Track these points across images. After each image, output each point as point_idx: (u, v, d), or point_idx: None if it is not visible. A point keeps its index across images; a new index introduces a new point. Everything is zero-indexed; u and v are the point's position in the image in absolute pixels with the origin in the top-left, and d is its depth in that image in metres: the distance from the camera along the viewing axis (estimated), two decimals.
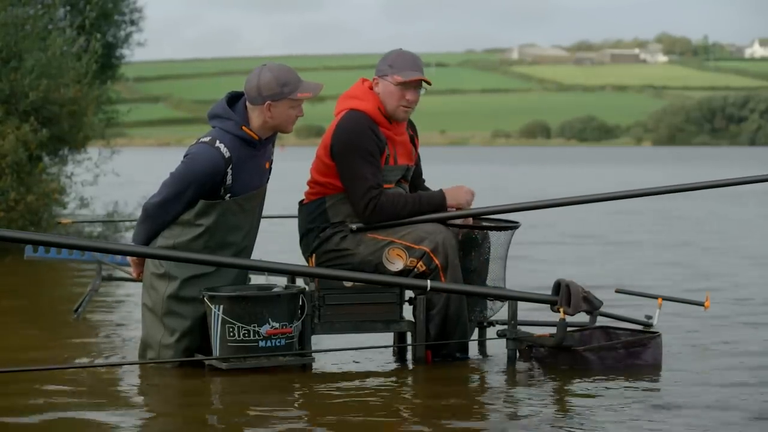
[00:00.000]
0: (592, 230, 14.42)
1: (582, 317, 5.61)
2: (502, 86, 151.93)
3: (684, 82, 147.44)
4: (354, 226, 5.50)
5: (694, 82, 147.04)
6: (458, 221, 5.59)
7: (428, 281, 5.23)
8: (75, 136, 12.31)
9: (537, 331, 5.73)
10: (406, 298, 5.58)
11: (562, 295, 5.31)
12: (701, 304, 6.22)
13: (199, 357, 5.33)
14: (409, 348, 5.64)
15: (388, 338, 5.99)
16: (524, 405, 4.72)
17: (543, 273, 9.33)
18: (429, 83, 5.59)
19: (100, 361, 5.65)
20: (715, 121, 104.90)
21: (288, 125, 5.45)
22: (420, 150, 5.80)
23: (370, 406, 4.67)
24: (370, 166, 5.43)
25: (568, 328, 5.42)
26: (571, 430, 4.29)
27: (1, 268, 9.80)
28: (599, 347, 5.48)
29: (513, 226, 5.67)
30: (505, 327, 5.57)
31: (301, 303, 5.33)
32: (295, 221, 5.74)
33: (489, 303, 5.65)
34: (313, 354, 5.40)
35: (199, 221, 5.32)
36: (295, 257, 6.24)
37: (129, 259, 5.70)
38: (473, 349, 5.76)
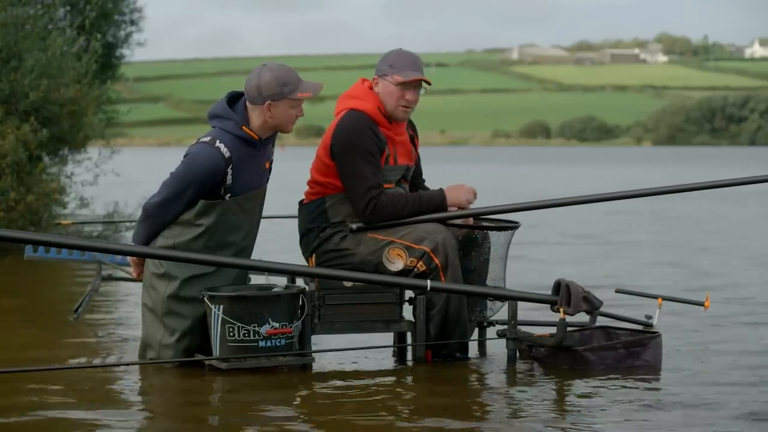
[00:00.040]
0: (591, 230, 14.41)
1: (582, 317, 5.60)
2: (502, 86, 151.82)
3: (684, 82, 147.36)
4: (354, 226, 5.50)
5: (694, 82, 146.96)
6: (458, 221, 5.59)
7: (428, 281, 5.22)
8: (75, 136, 12.30)
9: (537, 331, 5.72)
10: (406, 298, 5.58)
11: (562, 295, 5.31)
12: (701, 304, 6.21)
13: (199, 357, 5.33)
14: (409, 348, 5.63)
15: (388, 338, 5.98)
16: (524, 405, 4.72)
17: (543, 273, 9.32)
18: (429, 83, 5.59)
19: (99, 361, 5.65)
20: (715, 121, 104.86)
21: (288, 125, 5.45)
22: (420, 150, 5.80)
23: (370, 406, 4.67)
24: (370, 166, 5.43)
25: (568, 328, 5.42)
26: (571, 430, 4.29)
27: (1, 268, 9.79)
28: (599, 347, 5.48)
29: (513, 226, 5.67)
30: (505, 327, 5.57)
31: (301, 303, 5.33)
32: (295, 221, 5.74)
33: (489, 303, 5.65)
34: (313, 354, 5.40)
35: (199, 221, 5.32)
36: (295, 257, 6.24)
37: (129, 259, 5.70)
38: (473, 349, 5.76)
